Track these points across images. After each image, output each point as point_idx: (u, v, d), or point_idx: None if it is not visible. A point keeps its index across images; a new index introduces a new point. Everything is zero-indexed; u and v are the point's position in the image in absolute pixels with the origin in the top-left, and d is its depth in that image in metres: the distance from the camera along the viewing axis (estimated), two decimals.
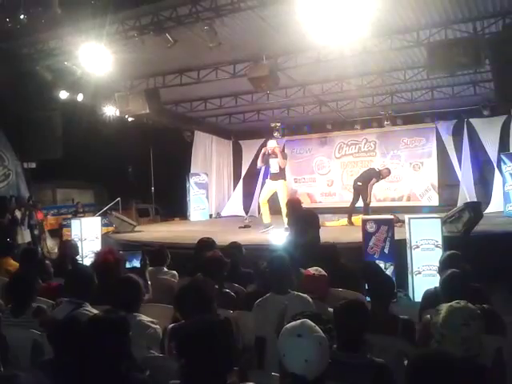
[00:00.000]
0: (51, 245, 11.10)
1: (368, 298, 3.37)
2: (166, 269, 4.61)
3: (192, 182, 13.52)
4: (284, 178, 8.92)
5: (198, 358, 1.83)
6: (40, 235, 10.87)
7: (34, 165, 10.79)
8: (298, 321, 1.91)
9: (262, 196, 9.22)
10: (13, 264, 5.15)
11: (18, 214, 9.80)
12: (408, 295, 5.99)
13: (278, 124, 13.11)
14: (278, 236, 7.43)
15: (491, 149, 11.61)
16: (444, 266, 3.72)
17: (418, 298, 4.46)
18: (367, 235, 6.10)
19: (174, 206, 15.34)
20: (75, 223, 8.54)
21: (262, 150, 9.11)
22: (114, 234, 9.89)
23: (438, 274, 3.95)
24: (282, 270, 3.31)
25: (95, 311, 2.87)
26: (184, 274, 4.36)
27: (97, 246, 7.76)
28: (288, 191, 9.57)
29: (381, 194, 12.89)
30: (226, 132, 14.88)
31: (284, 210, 7.81)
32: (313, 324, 1.88)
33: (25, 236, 9.91)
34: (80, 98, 9.39)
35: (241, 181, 14.85)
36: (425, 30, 7.33)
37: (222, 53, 7.67)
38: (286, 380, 1.83)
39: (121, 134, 12.51)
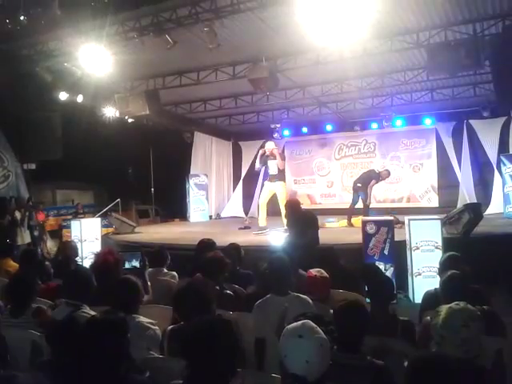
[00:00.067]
0: (51, 246, 11.10)
1: (368, 300, 3.37)
2: (165, 270, 4.60)
3: (192, 183, 13.51)
4: (283, 180, 8.91)
5: (202, 358, 1.83)
6: (41, 236, 10.88)
7: (33, 166, 10.80)
8: (300, 322, 1.91)
9: (261, 198, 9.21)
10: (12, 265, 5.15)
11: (17, 215, 9.81)
12: (408, 296, 5.98)
13: (278, 125, 13.13)
14: (277, 237, 7.43)
15: (491, 150, 11.61)
16: (444, 267, 3.72)
17: (418, 299, 4.46)
18: (367, 236, 6.10)
19: (174, 207, 15.33)
20: (75, 224, 8.54)
21: (260, 152, 9.10)
22: (113, 235, 9.89)
23: (437, 276, 3.96)
24: (281, 271, 3.30)
25: (93, 313, 2.86)
26: (184, 275, 4.36)
27: (97, 247, 7.77)
28: (287, 192, 9.57)
29: (381, 195, 12.89)
30: (226, 133, 14.88)
31: (283, 212, 7.81)
32: (314, 325, 1.88)
33: (24, 237, 9.92)
34: (80, 99, 9.39)
35: (240, 182, 14.85)
36: (425, 31, 7.33)
37: (221, 54, 7.67)
38: (287, 381, 1.83)
39: (121, 135, 12.51)
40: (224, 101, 11.47)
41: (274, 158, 8.68)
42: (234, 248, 4.81)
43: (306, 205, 13.36)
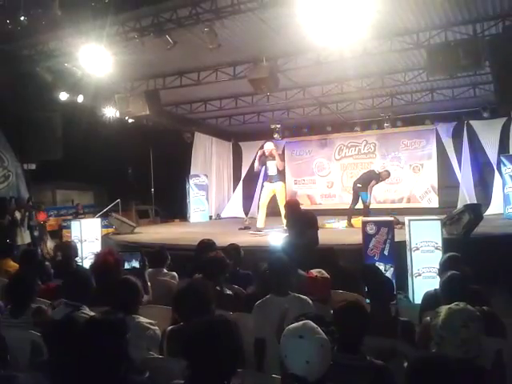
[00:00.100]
0: (51, 246, 11.10)
1: (368, 300, 3.37)
2: (165, 270, 4.60)
3: (192, 183, 13.52)
4: (282, 180, 8.90)
5: (203, 358, 1.83)
6: (42, 236, 10.88)
7: (33, 166, 10.80)
8: (301, 322, 1.92)
9: (262, 199, 9.17)
10: (12, 265, 5.14)
11: (17, 215, 9.80)
12: (408, 297, 5.98)
13: (278, 126, 13.13)
14: (276, 237, 7.42)
15: (491, 151, 11.62)
16: (444, 267, 3.73)
17: (418, 299, 4.46)
18: (367, 237, 6.09)
19: (174, 208, 15.33)
20: (75, 224, 8.54)
21: (259, 152, 9.06)
22: (113, 235, 9.89)
23: (437, 276, 3.96)
24: (282, 271, 3.30)
25: (93, 314, 2.86)
26: (184, 276, 4.36)
27: (96, 248, 7.76)
28: (287, 193, 9.55)
29: (381, 195, 12.89)
30: (226, 133, 14.89)
31: (283, 212, 7.80)
32: (315, 326, 1.88)
33: (24, 237, 9.91)
34: (80, 99, 9.40)
35: (241, 182, 14.86)
36: (425, 31, 7.34)
37: (222, 54, 7.68)
38: (287, 381, 1.83)
39: (121, 135, 12.51)
40: (224, 101, 11.47)
41: (273, 159, 8.66)
42: (233, 248, 4.81)
43: (306, 205, 13.37)
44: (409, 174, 13.05)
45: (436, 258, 5.32)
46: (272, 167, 8.72)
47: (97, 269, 3.78)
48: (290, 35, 7.06)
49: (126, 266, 4.12)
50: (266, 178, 9.16)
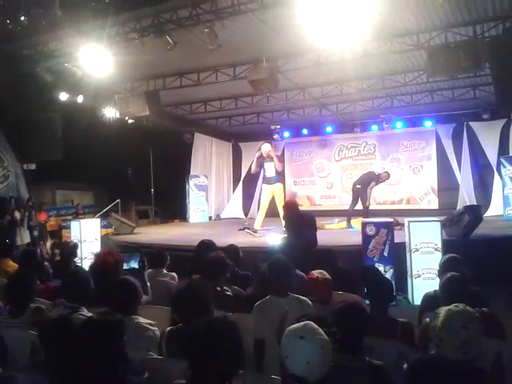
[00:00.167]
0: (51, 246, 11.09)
1: (367, 301, 3.37)
2: (165, 271, 4.60)
3: (192, 183, 13.52)
4: (281, 181, 8.83)
5: (204, 359, 1.83)
6: (42, 236, 10.87)
7: (33, 166, 10.77)
8: (302, 323, 1.92)
9: (262, 201, 9.06)
10: (12, 265, 5.14)
11: (17, 215, 9.78)
12: (407, 298, 5.98)
13: (278, 126, 13.13)
14: (275, 238, 7.42)
15: (491, 152, 11.63)
16: (443, 269, 3.72)
17: (418, 301, 4.46)
18: (367, 238, 6.09)
19: (174, 208, 15.35)
20: (75, 225, 8.54)
21: (257, 154, 8.85)
22: (113, 235, 9.89)
23: (437, 278, 3.95)
24: (281, 272, 3.30)
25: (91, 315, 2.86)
26: (183, 276, 4.36)
27: (96, 248, 7.76)
28: (286, 194, 9.50)
29: (380, 197, 12.89)
30: (226, 134, 14.89)
31: (281, 213, 7.77)
32: (316, 326, 1.88)
33: (24, 237, 9.89)
34: (80, 99, 9.40)
35: (240, 183, 14.86)
36: (425, 33, 7.34)
37: (222, 55, 7.68)
38: (287, 381, 1.83)
39: (121, 135, 12.53)
40: (224, 102, 11.47)
41: (271, 160, 8.49)
42: (232, 249, 4.80)
43: (305, 206, 13.41)
44: (408, 175, 13.05)
45: (435, 259, 5.31)
46: (270, 169, 8.57)
47: (96, 269, 3.78)
48: (290, 36, 7.06)
49: (126, 266, 4.11)
50: (264, 179, 9.01)
